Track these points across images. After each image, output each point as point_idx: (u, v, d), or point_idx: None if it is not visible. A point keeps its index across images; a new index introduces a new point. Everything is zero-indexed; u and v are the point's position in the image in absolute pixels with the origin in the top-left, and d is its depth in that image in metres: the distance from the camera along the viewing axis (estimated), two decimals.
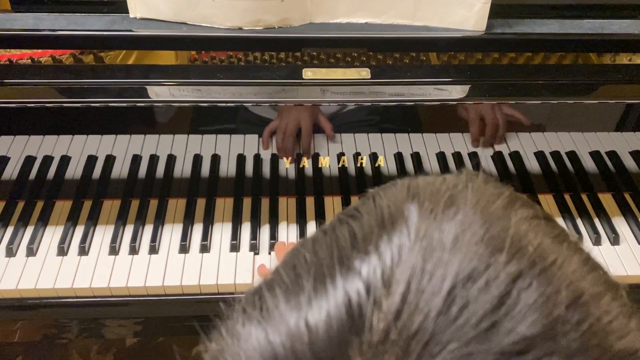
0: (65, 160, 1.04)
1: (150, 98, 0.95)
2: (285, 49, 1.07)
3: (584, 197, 1.12)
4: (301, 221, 1.07)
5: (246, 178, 1.08)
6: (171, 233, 1.05)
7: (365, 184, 1.09)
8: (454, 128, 1.04)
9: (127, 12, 1.02)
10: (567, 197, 1.12)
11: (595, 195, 1.12)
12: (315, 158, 1.06)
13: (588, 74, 1.04)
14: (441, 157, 1.07)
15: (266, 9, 0.98)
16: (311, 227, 1.06)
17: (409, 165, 1.07)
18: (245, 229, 1.06)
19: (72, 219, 1.05)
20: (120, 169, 1.05)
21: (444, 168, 1.07)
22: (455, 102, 0.98)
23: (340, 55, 1.08)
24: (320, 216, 1.08)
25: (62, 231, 1.03)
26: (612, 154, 1.09)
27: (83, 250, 1.01)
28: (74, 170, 1.05)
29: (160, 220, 1.06)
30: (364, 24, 1.03)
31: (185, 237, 1.03)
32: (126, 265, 0.99)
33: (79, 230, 1.04)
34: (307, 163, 1.06)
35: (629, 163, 1.09)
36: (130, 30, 1.00)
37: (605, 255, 1.03)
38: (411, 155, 1.06)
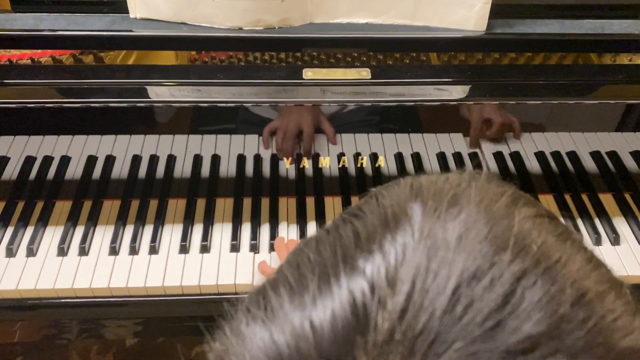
0: (65, 160, 1.03)
1: (150, 98, 0.95)
2: (286, 49, 1.07)
3: (585, 197, 1.12)
4: (301, 221, 1.07)
5: (246, 178, 1.08)
6: (171, 233, 1.04)
7: (366, 184, 1.09)
8: (455, 128, 1.03)
9: (127, 12, 1.01)
10: (567, 197, 1.12)
11: (596, 195, 1.12)
12: (315, 158, 1.06)
13: (588, 74, 1.04)
14: (441, 157, 1.07)
15: (266, 9, 0.98)
16: (311, 228, 1.06)
17: (409, 165, 1.07)
18: (246, 229, 1.05)
19: (72, 219, 1.05)
20: (120, 169, 1.05)
21: (445, 168, 1.07)
22: (455, 102, 0.98)
23: (340, 56, 1.08)
24: (320, 216, 1.08)
25: (62, 231, 1.03)
26: (613, 154, 1.09)
27: (83, 251, 1.01)
28: (74, 171, 1.05)
29: (160, 220, 1.06)
30: (364, 24, 1.03)
31: (185, 237, 1.03)
32: (126, 265, 0.99)
33: (79, 231, 1.04)
34: (307, 163, 1.06)
35: (630, 163, 1.09)
36: (130, 31, 1.00)
37: (606, 255, 1.03)
38: (411, 155, 1.06)
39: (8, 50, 1.04)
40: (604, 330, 0.30)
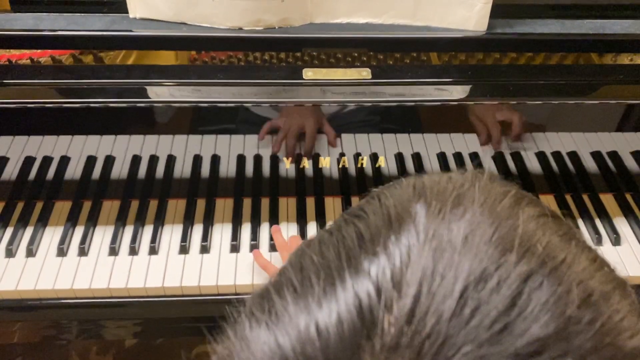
0: (64, 160, 1.03)
1: (150, 98, 0.95)
2: (286, 49, 1.07)
3: (585, 197, 1.12)
4: (301, 222, 1.06)
5: (246, 178, 1.08)
6: (171, 234, 1.04)
7: (366, 184, 1.09)
8: (455, 128, 1.03)
9: (127, 12, 1.01)
10: (568, 197, 1.12)
11: (597, 195, 1.12)
12: (315, 158, 1.06)
13: (589, 74, 1.04)
14: (442, 157, 1.06)
15: (266, 9, 0.97)
16: (311, 228, 1.06)
17: (410, 165, 1.07)
18: (246, 230, 1.05)
19: (72, 220, 1.05)
20: (120, 170, 1.05)
21: (445, 168, 1.07)
22: (456, 103, 0.97)
23: (340, 56, 1.08)
24: (320, 217, 1.07)
25: (62, 232, 1.03)
26: (613, 154, 1.08)
27: (83, 251, 1.00)
28: (74, 171, 1.05)
29: (160, 220, 1.05)
30: (364, 24, 1.03)
31: (185, 237, 1.03)
32: (126, 266, 0.99)
33: (79, 231, 1.04)
34: (307, 163, 1.06)
35: (630, 163, 1.09)
36: (130, 31, 1.00)
37: (607, 255, 1.01)
38: (412, 155, 1.06)
39: (8, 50, 1.04)
40: (611, 331, 0.29)
